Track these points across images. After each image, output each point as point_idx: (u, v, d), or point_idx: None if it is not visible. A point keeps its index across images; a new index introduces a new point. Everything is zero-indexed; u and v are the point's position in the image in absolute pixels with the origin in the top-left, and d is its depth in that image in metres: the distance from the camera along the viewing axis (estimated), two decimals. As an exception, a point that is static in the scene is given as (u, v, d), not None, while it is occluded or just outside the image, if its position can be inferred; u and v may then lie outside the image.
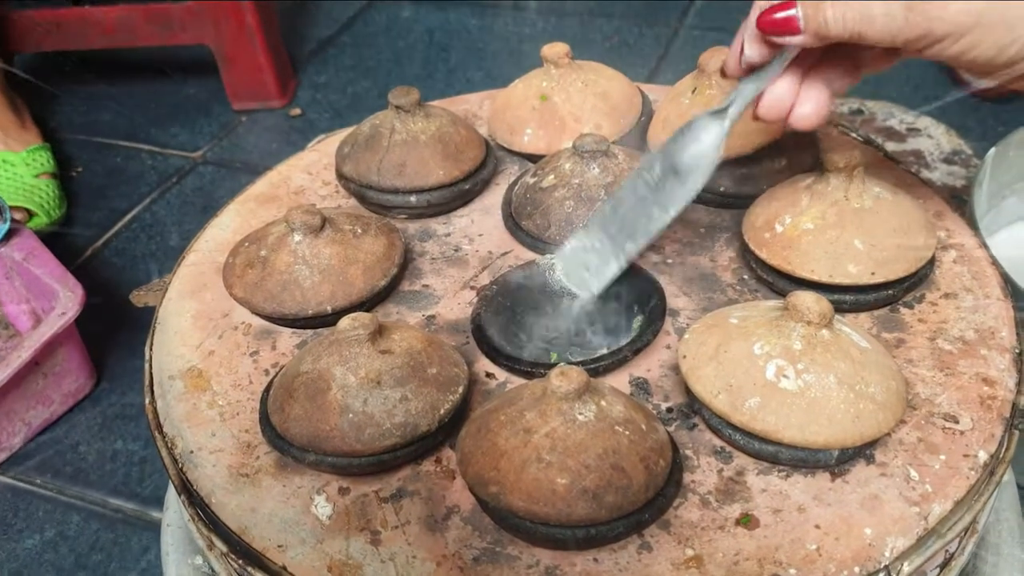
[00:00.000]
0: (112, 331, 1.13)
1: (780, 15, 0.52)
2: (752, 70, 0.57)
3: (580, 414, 0.48)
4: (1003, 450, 0.55)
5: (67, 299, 0.98)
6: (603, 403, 0.49)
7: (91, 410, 1.05)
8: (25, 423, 1.01)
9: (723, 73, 0.61)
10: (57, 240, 1.27)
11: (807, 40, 0.52)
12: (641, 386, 0.58)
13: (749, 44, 0.56)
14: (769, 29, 0.53)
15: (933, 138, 1.37)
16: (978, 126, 1.40)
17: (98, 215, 1.34)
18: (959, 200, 1.20)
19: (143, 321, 1.14)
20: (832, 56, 0.57)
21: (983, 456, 0.53)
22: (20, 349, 0.95)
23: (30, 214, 1.27)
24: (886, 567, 0.48)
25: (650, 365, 0.59)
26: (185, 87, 1.59)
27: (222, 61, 1.49)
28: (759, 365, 0.51)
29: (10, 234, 1.04)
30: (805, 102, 0.57)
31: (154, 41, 1.49)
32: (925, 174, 1.31)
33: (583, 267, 0.63)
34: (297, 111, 1.50)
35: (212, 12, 1.44)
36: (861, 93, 1.45)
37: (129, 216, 1.33)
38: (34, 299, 1.07)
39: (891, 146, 1.35)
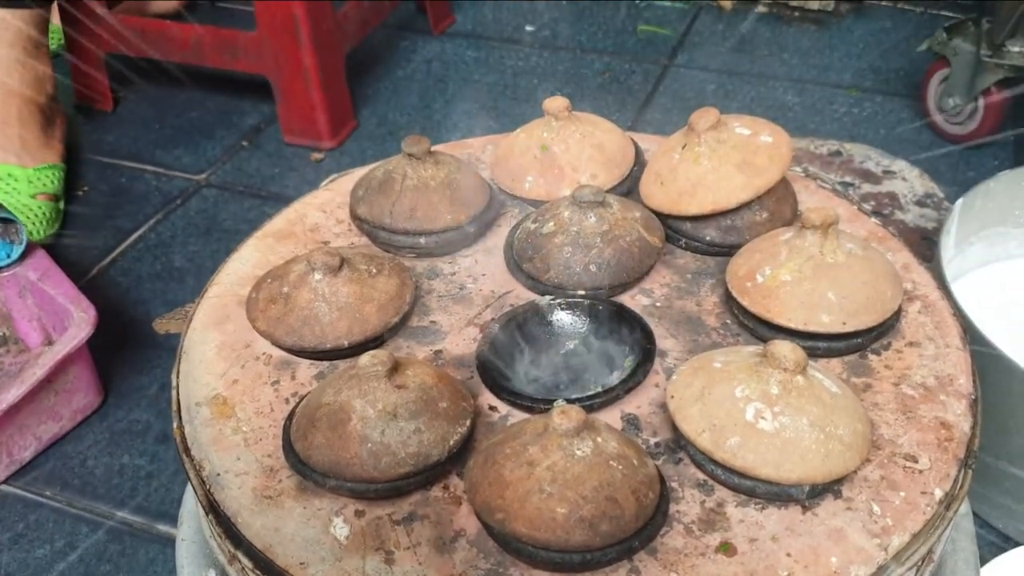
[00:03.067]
0: (118, 349, 1.17)
1: None
2: None
3: (578, 449, 0.53)
4: (957, 488, 0.61)
5: (81, 320, 1.02)
6: (599, 439, 0.54)
7: (98, 426, 1.09)
8: (36, 437, 1.05)
9: None
10: (64, 258, 1.32)
11: None
12: (632, 422, 0.64)
13: None
14: None
15: (907, 181, 1.44)
16: (950, 171, 1.47)
17: (104, 234, 1.39)
18: (929, 242, 1.27)
19: (149, 340, 1.20)
20: None
21: (939, 493, 0.59)
22: (35, 367, 0.99)
23: None
24: (849, 593, 0.54)
25: (640, 402, 0.65)
26: (189, 110, 1.64)
27: (278, 95, 1.53)
28: (740, 407, 0.57)
29: (26, 253, 1.09)
30: None
31: (219, 64, 1.54)
32: (899, 215, 1.37)
33: None
34: (319, 156, 1.54)
35: (272, 46, 1.48)
36: (840, 135, 1.52)
37: (134, 236, 1.38)
38: (45, 317, 1.11)
39: (867, 187, 1.42)
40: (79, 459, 1.06)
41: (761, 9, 1.86)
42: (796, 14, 1.85)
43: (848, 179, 1.43)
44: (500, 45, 1.79)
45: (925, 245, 1.29)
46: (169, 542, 0.95)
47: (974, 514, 0.96)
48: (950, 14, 1.78)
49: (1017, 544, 0.93)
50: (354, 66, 1.70)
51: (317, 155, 1.52)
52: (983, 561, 0.87)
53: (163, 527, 0.98)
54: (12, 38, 1.37)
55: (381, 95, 1.67)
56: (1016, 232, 1.13)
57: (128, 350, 1.18)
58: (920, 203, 1.40)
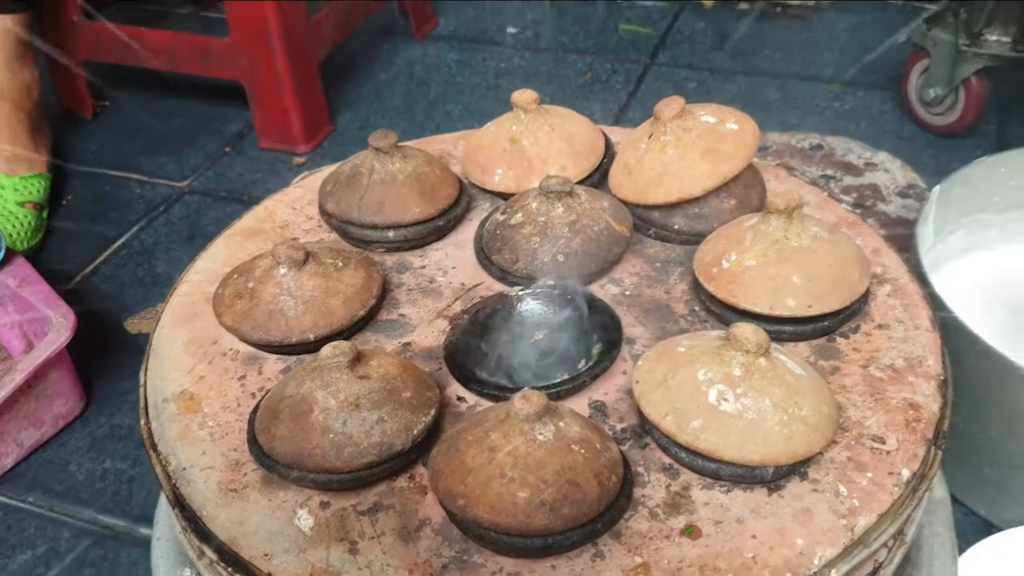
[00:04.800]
0: (101, 355, 1.17)
1: None
2: None
3: (540, 434, 0.53)
4: (926, 468, 0.61)
5: (60, 325, 1.02)
6: (561, 424, 0.54)
7: (81, 431, 1.09)
8: (17, 443, 1.05)
9: None
10: (47, 265, 1.32)
11: None
12: (599, 408, 0.63)
13: None
14: None
15: (889, 172, 1.44)
16: (932, 161, 1.47)
17: (87, 242, 1.39)
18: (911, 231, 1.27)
19: (131, 345, 1.20)
20: None
21: (906, 474, 0.59)
22: (14, 372, 0.99)
23: None
24: (815, 574, 0.53)
25: (607, 389, 0.65)
26: (172, 117, 1.64)
27: (252, 100, 1.54)
28: (702, 390, 0.57)
29: (5, 261, 1.09)
30: None
31: (195, 70, 1.55)
32: (881, 207, 1.37)
33: None
34: (301, 160, 1.54)
35: (246, 51, 1.48)
36: (821, 129, 1.52)
37: (117, 244, 1.38)
38: (26, 323, 1.11)
39: (849, 180, 1.42)
40: (61, 464, 1.05)
41: (743, 5, 1.87)
42: (778, 10, 1.85)
43: (830, 172, 1.43)
44: (483, 47, 1.79)
45: (907, 235, 1.29)
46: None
47: (957, 501, 0.97)
48: (931, 6, 1.78)
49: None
50: (336, 70, 1.71)
51: (299, 159, 1.52)
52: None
53: (145, 530, 0.97)
54: (0, 42, 1.38)
55: (363, 98, 1.67)
56: (996, 219, 1.13)
57: (111, 356, 1.18)
58: (902, 194, 1.40)
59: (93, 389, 1.14)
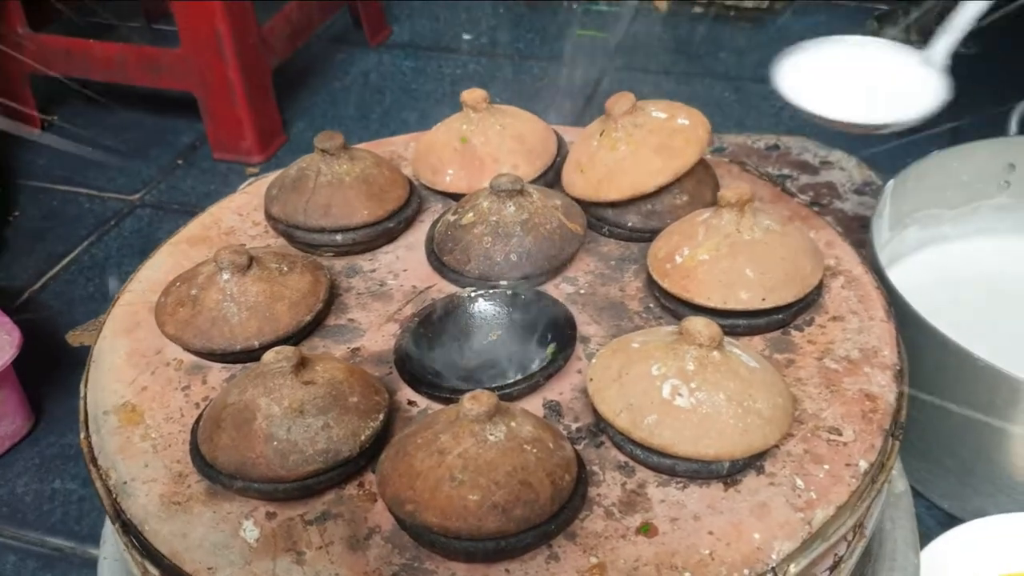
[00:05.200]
0: (50, 373, 1.14)
1: None
2: None
3: (491, 435, 0.52)
4: (884, 458, 0.60)
5: (4, 343, 0.99)
6: (513, 424, 0.53)
7: (29, 451, 1.06)
8: (-38, 466, 1.02)
9: None
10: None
11: None
12: (554, 408, 0.62)
13: None
14: None
15: (845, 170, 1.45)
16: (888, 158, 1.47)
17: (35, 258, 1.35)
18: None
19: (81, 362, 1.16)
20: None
21: (864, 465, 0.58)
22: (-44, 392, 0.96)
23: None
24: (772, 569, 0.52)
25: (562, 389, 0.63)
26: (124, 131, 1.62)
27: (205, 111, 1.52)
28: (656, 385, 0.56)
29: (-54, 279, 1.06)
30: None
31: (145, 82, 1.53)
32: (837, 204, 1.38)
33: None
34: (255, 170, 1.52)
35: (197, 62, 1.46)
36: (778, 130, 1.52)
37: (67, 259, 1.35)
38: (-30, 343, 1.08)
39: (805, 179, 1.42)
40: (8, 487, 1.02)
41: (697, 9, 1.87)
42: (732, 13, 1.86)
43: (786, 171, 1.44)
44: (438, 54, 1.78)
45: (864, 232, 1.29)
46: (101, 566, 0.92)
47: (919, 495, 0.96)
48: (884, 6, 1.80)
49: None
50: (290, 80, 1.69)
51: (253, 169, 1.50)
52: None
53: (95, 551, 0.94)
54: None
55: (317, 107, 1.65)
56: (949, 213, 1.14)
57: (61, 374, 1.15)
58: (859, 191, 1.41)
59: (42, 408, 1.11)
